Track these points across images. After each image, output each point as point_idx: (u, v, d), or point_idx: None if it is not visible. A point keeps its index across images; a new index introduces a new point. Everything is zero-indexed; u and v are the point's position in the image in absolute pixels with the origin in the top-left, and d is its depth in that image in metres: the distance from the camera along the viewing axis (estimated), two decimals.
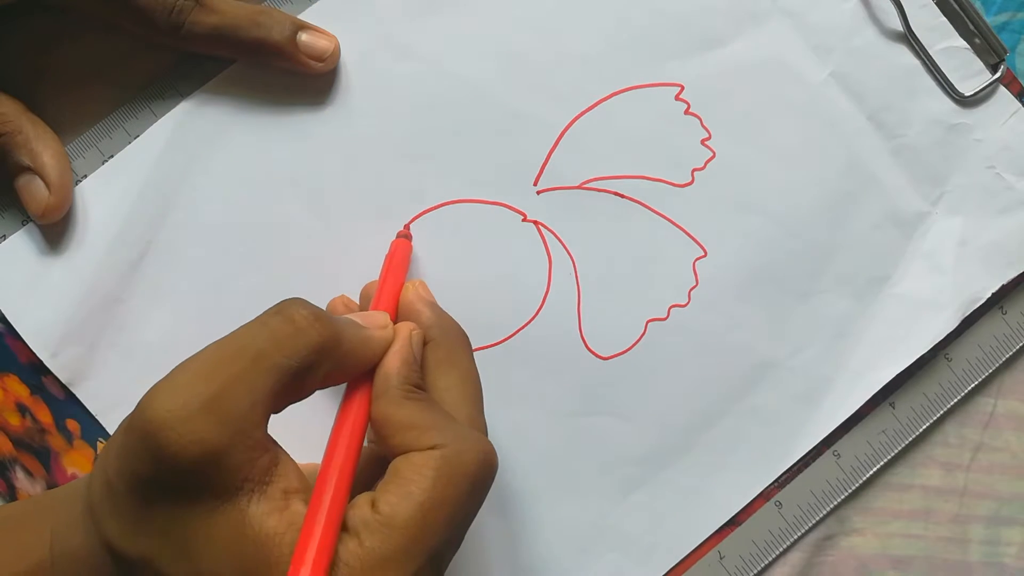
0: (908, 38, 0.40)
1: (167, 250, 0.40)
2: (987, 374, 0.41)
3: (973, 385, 0.41)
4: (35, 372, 0.40)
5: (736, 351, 0.40)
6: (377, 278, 0.37)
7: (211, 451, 0.26)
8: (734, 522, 0.40)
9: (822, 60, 0.40)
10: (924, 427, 0.41)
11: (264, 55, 0.38)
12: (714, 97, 0.40)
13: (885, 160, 0.40)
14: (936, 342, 0.40)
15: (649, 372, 0.40)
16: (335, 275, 0.39)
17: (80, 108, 0.40)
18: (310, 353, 0.28)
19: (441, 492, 0.28)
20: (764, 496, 0.40)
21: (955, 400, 0.41)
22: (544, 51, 0.40)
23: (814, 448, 0.40)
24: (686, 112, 0.40)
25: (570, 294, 0.40)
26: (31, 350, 0.39)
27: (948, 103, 0.40)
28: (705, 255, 0.40)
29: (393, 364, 0.31)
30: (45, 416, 0.40)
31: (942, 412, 0.41)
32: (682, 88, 0.40)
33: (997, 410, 0.42)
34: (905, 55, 0.40)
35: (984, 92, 0.40)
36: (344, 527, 0.28)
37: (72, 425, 0.40)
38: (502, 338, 0.40)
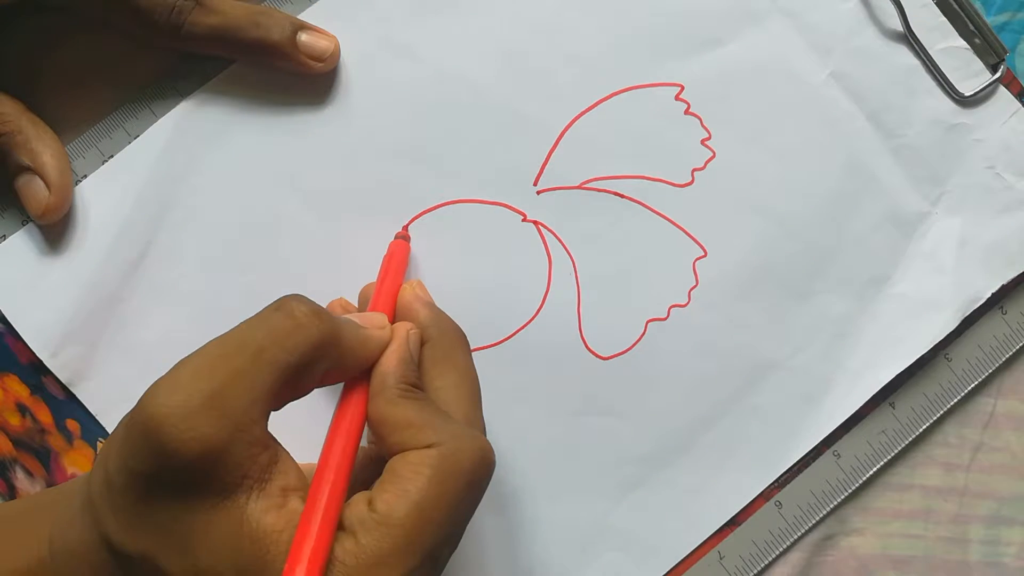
0: (908, 38, 0.40)
1: (167, 250, 0.40)
2: (987, 374, 0.41)
3: (973, 385, 0.41)
4: (35, 372, 0.40)
5: (736, 351, 0.40)
6: (375, 279, 0.37)
7: (212, 447, 0.26)
8: (734, 522, 0.40)
9: (822, 60, 0.40)
10: (924, 427, 0.41)
11: (264, 55, 0.38)
12: (714, 97, 0.40)
13: (885, 160, 0.40)
14: (936, 342, 0.40)
15: (649, 372, 0.40)
16: (334, 275, 0.39)
17: (80, 108, 0.40)
18: (310, 349, 0.28)
19: (437, 490, 0.28)
20: (764, 496, 0.40)
21: (955, 400, 0.41)
22: (544, 51, 0.40)
23: (814, 448, 0.40)
24: (686, 112, 0.40)
25: (570, 294, 0.40)
26: (31, 350, 0.39)
27: (948, 103, 0.40)
28: (705, 255, 0.40)
29: (390, 363, 0.31)
30: (45, 416, 0.40)
31: (942, 412, 0.41)
32: (682, 88, 0.40)
33: (997, 410, 0.41)
34: (905, 55, 0.40)
35: (984, 92, 0.40)
36: (341, 525, 0.28)
37: (72, 425, 0.40)
38: (502, 338, 0.40)
